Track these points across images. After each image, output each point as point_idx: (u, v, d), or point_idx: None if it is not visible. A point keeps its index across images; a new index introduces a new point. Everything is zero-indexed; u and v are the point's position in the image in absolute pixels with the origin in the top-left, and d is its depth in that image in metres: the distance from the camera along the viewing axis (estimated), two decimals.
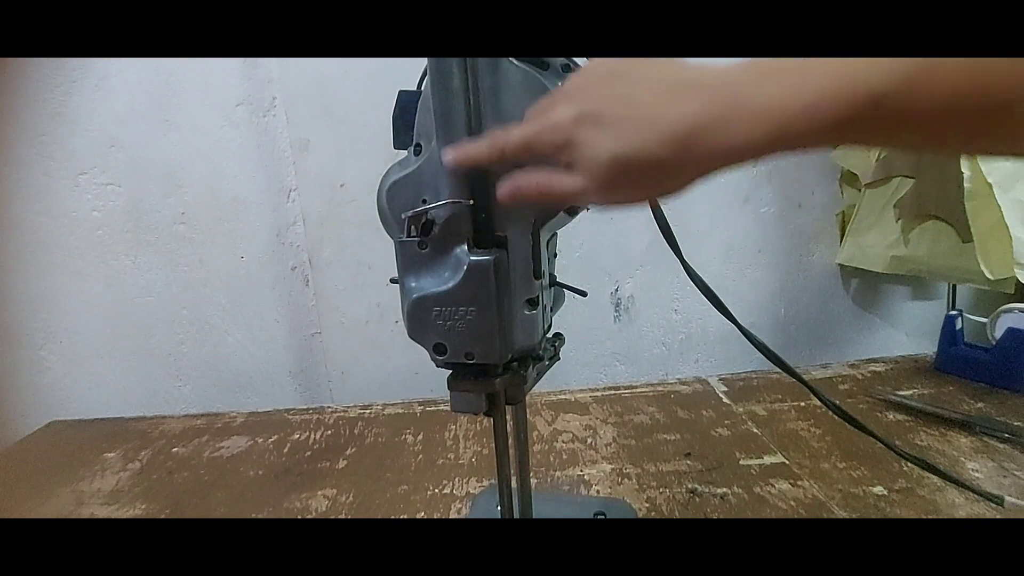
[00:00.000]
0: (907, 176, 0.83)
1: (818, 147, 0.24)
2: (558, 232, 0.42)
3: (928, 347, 0.87)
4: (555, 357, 0.44)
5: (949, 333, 0.79)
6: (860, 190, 0.89)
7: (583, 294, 0.44)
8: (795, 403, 0.74)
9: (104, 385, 0.94)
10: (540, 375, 0.43)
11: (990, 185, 0.66)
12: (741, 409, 0.74)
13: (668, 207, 0.43)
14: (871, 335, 1.01)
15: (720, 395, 0.79)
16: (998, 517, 0.50)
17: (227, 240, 0.89)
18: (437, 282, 0.36)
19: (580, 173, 0.27)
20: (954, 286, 0.92)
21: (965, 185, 0.68)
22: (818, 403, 0.49)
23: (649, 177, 0.26)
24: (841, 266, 0.97)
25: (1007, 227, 0.66)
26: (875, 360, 0.87)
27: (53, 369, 0.93)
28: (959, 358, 0.78)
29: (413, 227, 0.35)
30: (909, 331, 1.01)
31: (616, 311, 0.95)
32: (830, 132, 0.23)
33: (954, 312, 0.79)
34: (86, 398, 0.94)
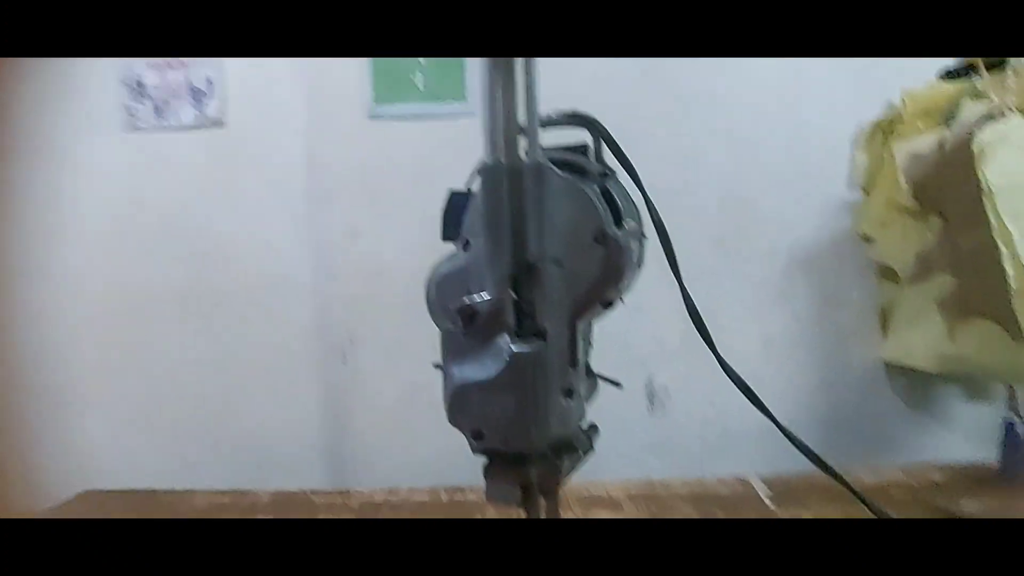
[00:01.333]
0: (948, 273, 0.82)
1: None
2: (593, 322, 0.43)
3: (989, 452, 0.81)
4: (590, 449, 0.43)
5: (1011, 440, 0.74)
6: (899, 284, 0.88)
7: (618, 385, 0.45)
8: (845, 509, 0.69)
9: (138, 455, 0.95)
10: (574, 466, 0.42)
11: None
12: (786, 515, 0.69)
13: (700, 299, 0.44)
14: (924, 437, 0.95)
15: (763, 498, 0.74)
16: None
17: (273, 316, 0.94)
18: (479, 370, 0.37)
19: None
20: (1011, 387, 0.88)
21: (1010, 284, 0.67)
22: (871, 512, 0.46)
23: None
24: (886, 363, 0.93)
25: None
26: (931, 465, 0.81)
27: (92, 435, 0.96)
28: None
29: (459, 317, 0.37)
30: (966, 435, 0.95)
31: (650, 402, 0.94)
32: None
33: (1014, 416, 0.74)
34: (119, 467, 0.95)
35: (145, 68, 0.91)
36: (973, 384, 0.94)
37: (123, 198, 0.93)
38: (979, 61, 0.77)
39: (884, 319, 0.93)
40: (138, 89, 0.91)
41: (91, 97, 0.92)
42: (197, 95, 0.91)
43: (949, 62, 0.85)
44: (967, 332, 0.81)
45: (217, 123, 0.91)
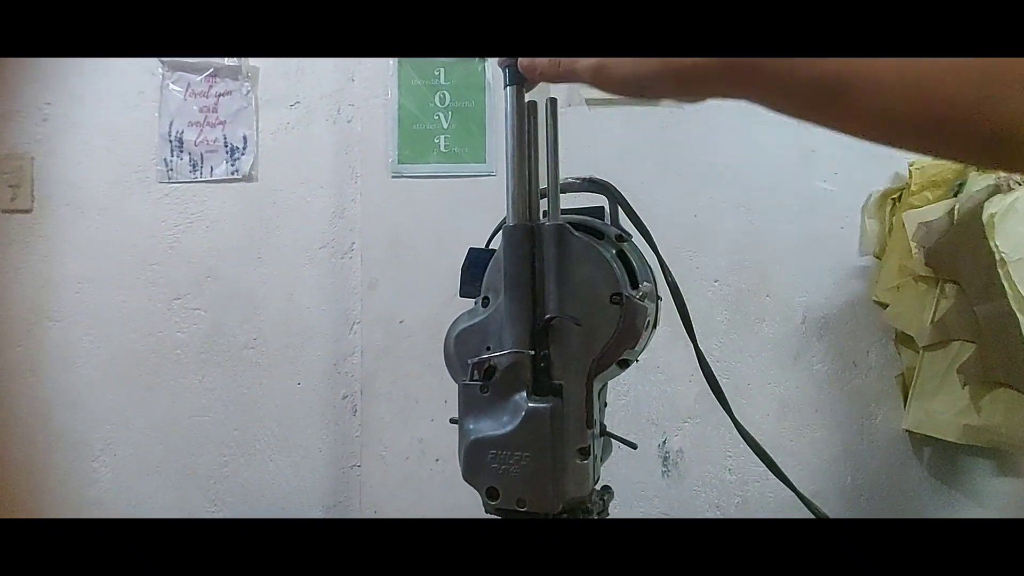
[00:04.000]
0: (967, 340, 0.81)
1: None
2: (608, 383, 0.43)
3: None
4: (604, 512, 0.43)
5: None
6: (918, 352, 0.87)
7: (633, 446, 0.44)
8: None
9: (145, 503, 0.94)
10: None
11: None
12: None
13: (714, 359, 0.44)
14: (955, 514, 0.91)
15: None
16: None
17: (289, 366, 0.94)
18: (495, 426, 0.37)
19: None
20: None
21: None
22: None
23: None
24: (909, 432, 0.91)
25: None
26: None
27: (101, 482, 0.95)
28: None
29: (476, 372, 0.37)
30: (1001, 511, 0.91)
31: (664, 466, 0.91)
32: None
33: None
34: (125, 514, 0.94)
35: (186, 126, 0.97)
36: (1002, 457, 0.91)
37: (157, 247, 0.97)
38: None
39: (905, 386, 0.92)
40: (177, 145, 0.97)
41: (133, 151, 0.98)
42: (232, 151, 0.96)
43: None
44: (991, 402, 0.79)
45: (249, 178, 0.96)
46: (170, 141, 0.97)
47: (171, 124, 0.97)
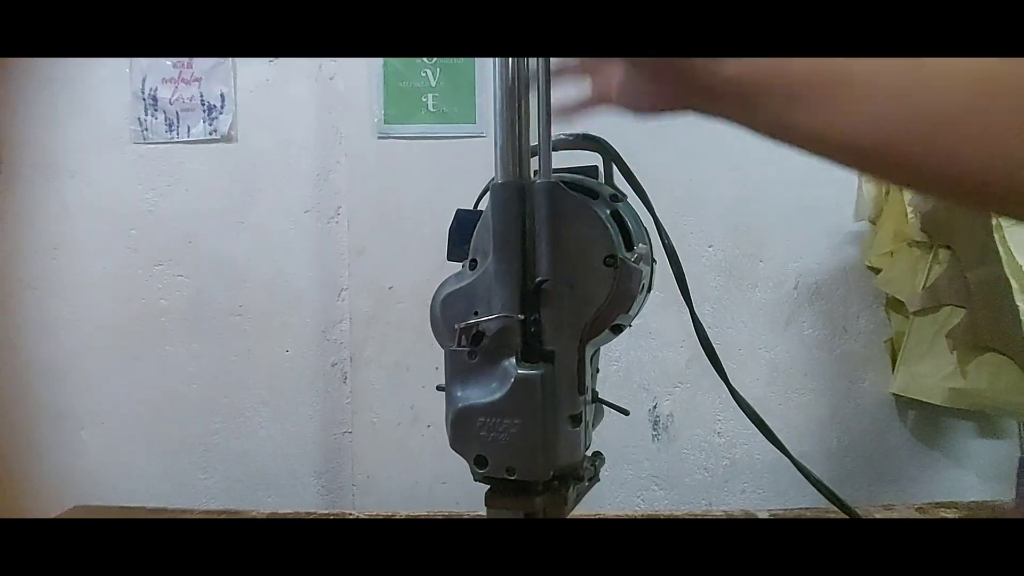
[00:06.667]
0: (957, 305, 0.81)
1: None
2: (600, 347, 0.42)
3: (1004, 492, 0.79)
4: (595, 478, 0.42)
5: None
6: (908, 317, 0.87)
7: (625, 412, 0.44)
8: None
9: (135, 471, 0.94)
10: (579, 497, 0.41)
11: None
12: None
13: (707, 324, 0.43)
14: (936, 474, 0.93)
15: None
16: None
17: (277, 333, 0.93)
18: (484, 393, 0.36)
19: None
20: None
21: (1022, 319, 0.66)
22: None
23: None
24: (896, 396, 0.92)
25: None
26: (945, 504, 0.79)
27: (90, 451, 0.95)
28: None
29: (464, 337, 0.36)
30: (980, 472, 0.93)
31: (655, 430, 0.92)
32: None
33: None
34: (116, 483, 0.94)
35: (159, 83, 0.92)
36: (985, 420, 0.92)
37: (134, 211, 0.93)
38: None
39: (893, 351, 0.92)
40: (151, 103, 0.92)
41: (104, 110, 0.93)
42: (210, 110, 0.92)
43: None
44: (978, 367, 0.79)
45: (228, 139, 0.92)
46: (143, 99, 0.92)
47: (144, 80, 0.92)
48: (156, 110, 0.92)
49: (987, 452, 0.93)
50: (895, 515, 0.75)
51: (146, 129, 0.92)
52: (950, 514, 0.75)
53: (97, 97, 0.93)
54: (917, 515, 0.75)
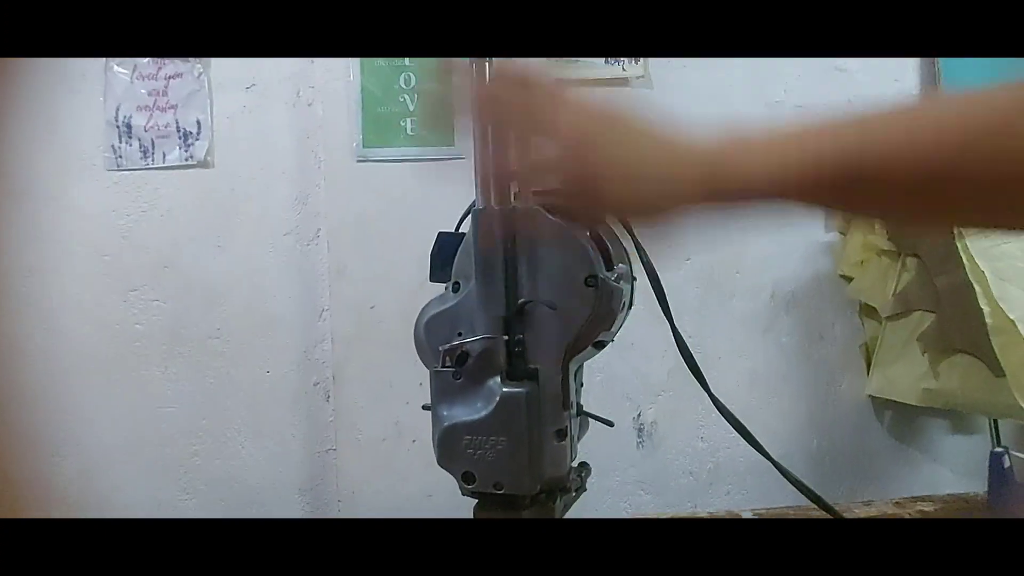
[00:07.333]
0: (927, 310, 0.84)
1: (793, 207, 0.27)
2: (584, 362, 0.43)
3: (976, 485, 0.81)
4: (581, 488, 0.43)
5: (998, 472, 0.75)
6: (880, 322, 0.90)
7: (610, 424, 0.45)
8: None
9: (113, 496, 0.91)
10: (567, 507, 0.42)
11: (1012, 321, 0.67)
12: None
13: (687, 334, 0.45)
14: (913, 471, 0.96)
15: None
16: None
17: (257, 355, 0.92)
18: (469, 411, 0.37)
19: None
20: (995, 420, 0.89)
21: (987, 321, 0.68)
22: None
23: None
24: (872, 398, 0.94)
25: None
26: (922, 498, 0.81)
27: (65, 476, 0.92)
28: (1012, 498, 0.73)
29: (448, 358, 0.37)
30: (954, 467, 0.96)
31: (639, 437, 0.93)
32: (798, 196, 0.26)
33: (1000, 449, 0.75)
34: (94, 509, 0.91)
35: (134, 110, 0.91)
36: (957, 417, 0.96)
37: (109, 237, 0.92)
38: None
39: (868, 355, 0.95)
40: (125, 131, 0.91)
41: (78, 138, 0.92)
42: (186, 136, 0.91)
43: None
44: (949, 367, 0.82)
45: (205, 164, 0.92)
46: (117, 127, 0.91)
47: (117, 109, 0.91)
48: (131, 137, 0.91)
49: (960, 448, 0.96)
50: (874, 511, 0.77)
51: (120, 156, 0.91)
52: (927, 507, 0.78)
53: (70, 125, 0.92)
54: (895, 510, 0.77)
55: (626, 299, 0.38)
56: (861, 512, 0.78)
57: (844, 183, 0.26)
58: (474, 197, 0.38)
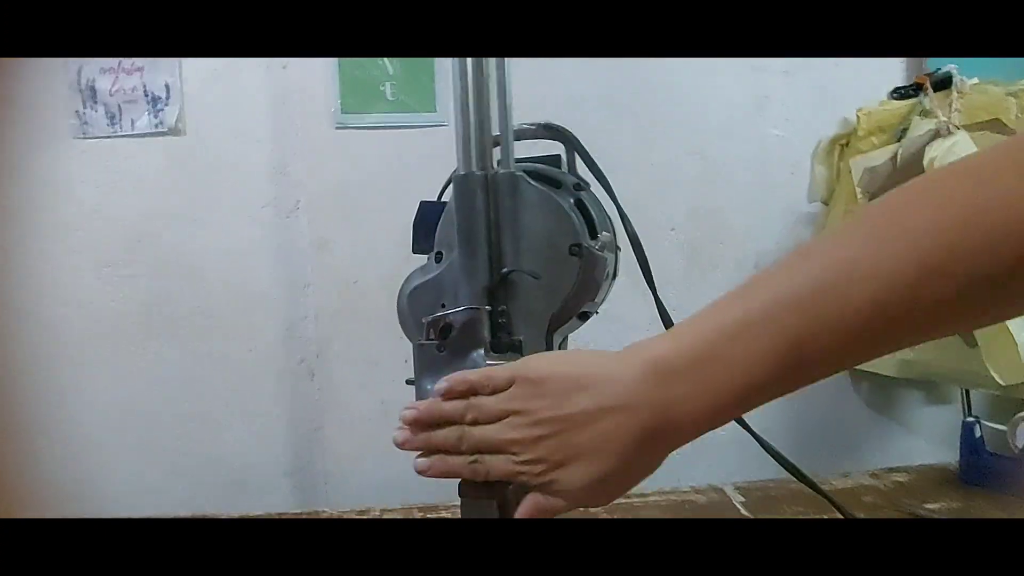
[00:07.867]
0: None
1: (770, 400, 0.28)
2: (568, 334, 0.43)
3: (949, 455, 0.84)
4: None
5: (969, 442, 0.77)
6: None
7: None
8: (818, 514, 0.70)
9: (97, 480, 0.90)
10: None
11: None
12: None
13: (671, 307, 0.44)
14: (889, 442, 0.98)
15: (737, 506, 0.75)
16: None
17: (239, 332, 0.90)
18: None
19: (560, 495, 0.32)
20: (967, 391, 0.91)
21: None
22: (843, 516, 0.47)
23: (622, 484, 0.32)
24: (850, 370, 0.96)
25: (1011, 333, 0.66)
26: (897, 469, 0.84)
27: (47, 461, 0.90)
28: (983, 468, 0.75)
29: (432, 331, 0.36)
30: (927, 438, 0.98)
31: None
32: (770, 391, 0.27)
33: (971, 419, 0.77)
34: (76, 493, 0.90)
35: (98, 73, 0.87)
36: (932, 388, 0.98)
37: (78, 211, 0.88)
38: (926, 80, 0.81)
39: None
40: (90, 95, 0.87)
41: (39, 104, 0.87)
42: (155, 102, 0.87)
43: (899, 81, 0.90)
44: None
45: (176, 132, 0.88)
46: (80, 91, 0.87)
47: (79, 71, 0.86)
48: (96, 103, 0.87)
49: (934, 418, 0.99)
50: (851, 482, 0.79)
51: (86, 123, 0.87)
52: (901, 478, 0.80)
53: (29, 90, 0.87)
54: (872, 481, 0.80)
55: (610, 269, 0.37)
56: (840, 484, 0.80)
57: (784, 377, 0.25)
58: (456, 165, 0.37)
